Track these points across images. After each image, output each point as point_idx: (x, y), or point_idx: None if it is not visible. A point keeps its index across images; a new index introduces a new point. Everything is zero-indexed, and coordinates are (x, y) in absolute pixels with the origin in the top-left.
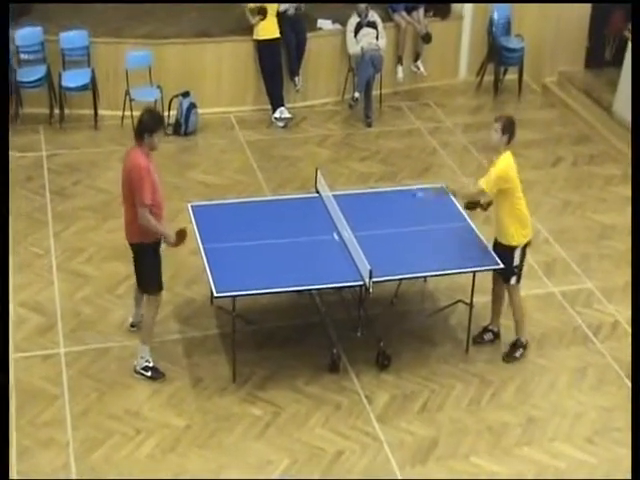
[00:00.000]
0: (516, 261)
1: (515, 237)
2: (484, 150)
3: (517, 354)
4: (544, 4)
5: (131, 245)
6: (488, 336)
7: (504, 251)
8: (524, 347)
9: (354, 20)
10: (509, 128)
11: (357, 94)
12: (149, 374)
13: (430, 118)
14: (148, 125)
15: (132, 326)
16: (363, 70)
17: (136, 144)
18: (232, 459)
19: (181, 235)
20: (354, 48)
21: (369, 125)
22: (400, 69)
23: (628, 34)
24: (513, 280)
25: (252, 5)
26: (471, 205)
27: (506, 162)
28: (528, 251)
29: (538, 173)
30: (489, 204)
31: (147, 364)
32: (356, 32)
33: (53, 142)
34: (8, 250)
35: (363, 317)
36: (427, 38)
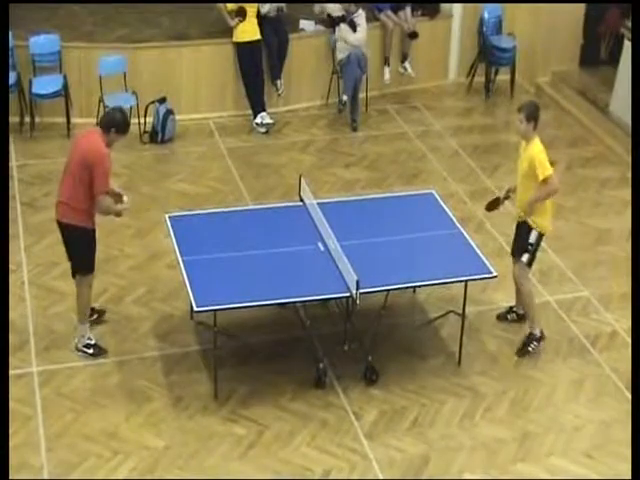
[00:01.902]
0: (532, 239)
1: (537, 223)
2: (474, 154)
3: (530, 348)
4: (536, 3)
5: (65, 225)
6: (512, 316)
7: (524, 225)
8: (537, 340)
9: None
10: (534, 114)
11: (345, 97)
12: (91, 351)
13: (418, 121)
14: (119, 123)
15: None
16: (349, 72)
17: (101, 132)
18: None
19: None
20: (353, 36)
21: (355, 129)
22: (387, 70)
23: (624, 31)
24: (525, 257)
25: (231, 6)
26: (492, 206)
27: (539, 145)
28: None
29: None
30: (506, 197)
31: (89, 341)
32: (335, 25)
33: (23, 152)
34: (8, 257)
35: (350, 330)
36: (414, 35)
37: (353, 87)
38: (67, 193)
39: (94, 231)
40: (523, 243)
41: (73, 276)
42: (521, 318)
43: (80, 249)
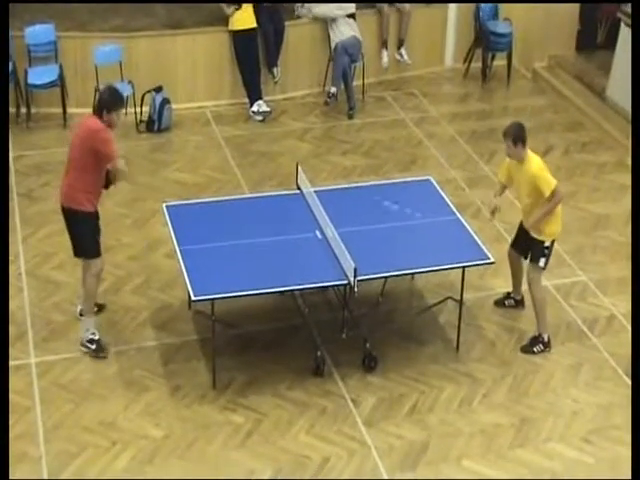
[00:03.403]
0: (546, 244)
1: (547, 232)
2: (471, 141)
3: (535, 349)
4: None
5: (69, 210)
6: (509, 302)
7: (536, 239)
8: (544, 345)
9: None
10: (520, 136)
11: (333, 89)
12: (93, 347)
13: (415, 108)
14: (107, 102)
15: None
16: (338, 62)
17: (96, 116)
18: (213, 470)
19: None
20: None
21: (351, 117)
22: (385, 54)
23: (621, 16)
24: (542, 262)
25: None
26: (494, 213)
27: (535, 160)
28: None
29: None
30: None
31: (92, 337)
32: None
33: (20, 143)
34: (8, 252)
35: (348, 318)
36: None
37: (342, 76)
38: (69, 178)
39: (97, 215)
40: (538, 251)
41: (77, 256)
42: (518, 304)
43: (83, 233)
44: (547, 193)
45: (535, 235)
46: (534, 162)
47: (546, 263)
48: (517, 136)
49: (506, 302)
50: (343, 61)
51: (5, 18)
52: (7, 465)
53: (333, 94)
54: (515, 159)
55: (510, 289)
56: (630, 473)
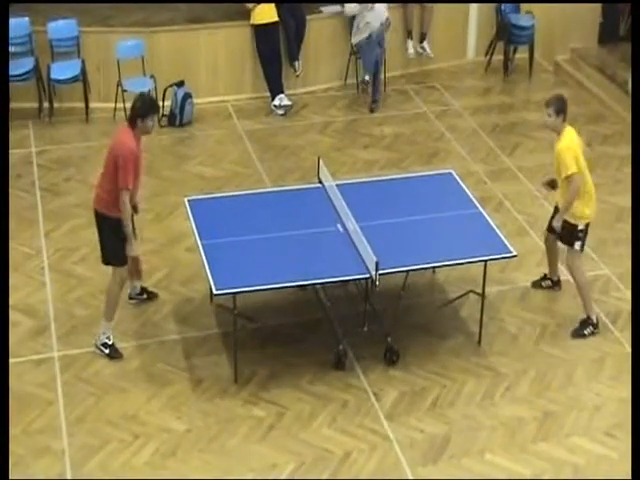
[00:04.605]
0: (580, 228)
1: (579, 214)
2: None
3: (585, 332)
4: None
5: (98, 214)
6: (546, 283)
7: (568, 222)
8: (594, 326)
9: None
10: (561, 108)
11: (367, 77)
12: (107, 351)
13: (437, 101)
14: (140, 110)
15: (130, 298)
16: (370, 51)
17: (129, 126)
18: (235, 463)
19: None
20: (351, 8)
21: (372, 111)
22: (410, 44)
23: None
24: (577, 245)
25: None
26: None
27: (569, 138)
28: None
29: (550, 156)
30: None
31: (107, 341)
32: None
33: (43, 137)
34: (8, 251)
35: (369, 311)
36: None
37: (375, 66)
38: (100, 183)
39: (120, 222)
40: (573, 235)
41: (105, 264)
42: (555, 285)
43: (111, 239)
44: (562, 174)
45: (568, 219)
46: (566, 139)
47: (582, 246)
48: (559, 107)
49: (543, 283)
50: (377, 52)
51: (5, 19)
52: (7, 465)
53: (367, 81)
54: (551, 129)
55: (536, 277)
56: None
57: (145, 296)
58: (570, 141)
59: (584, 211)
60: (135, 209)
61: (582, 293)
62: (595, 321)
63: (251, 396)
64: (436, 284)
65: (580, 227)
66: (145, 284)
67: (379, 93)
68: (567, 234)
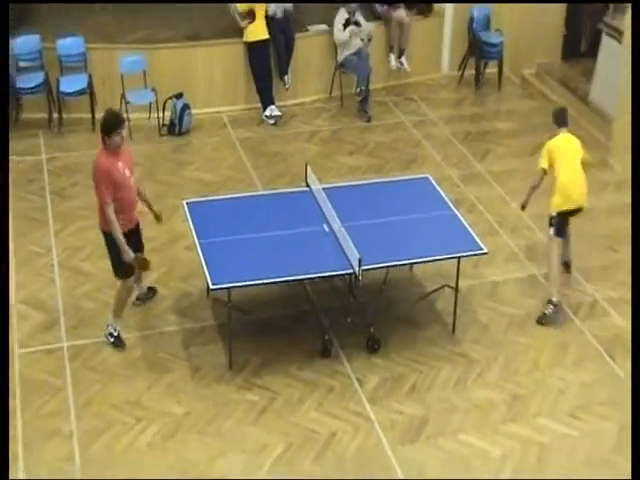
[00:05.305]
0: (553, 214)
1: (552, 203)
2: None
3: (547, 311)
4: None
5: (102, 231)
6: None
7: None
8: (554, 305)
9: (343, 15)
10: (555, 117)
11: (362, 87)
12: (112, 340)
13: (414, 112)
14: (104, 126)
15: (137, 299)
16: (363, 67)
17: (102, 144)
18: (230, 444)
19: (142, 263)
20: (342, 35)
21: (369, 120)
22: (392, 57)
23: (602, 26)
24: (550, 230)
25: (242, 7)
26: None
27: (553, 141)
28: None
29: (518, 161)
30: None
31: (113, 332)
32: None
33: (52, 145)
34: (8, 249)
35: (353, 304)
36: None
37: (366, 79)
38: (97, 203)
39: (126, 236)
40: (549, 221)
41: (115, 277)
42: (565, 267)
43: (113, 254)
44: (537, 167)
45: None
46: (552, 140)
47: (556, 233)
48: (553, 116)
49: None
50: (368, 67)
51: (5, 21)
52: (7, 465)
53: (363, 89)
54: (549, 134)
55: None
56: (613, 446)
57: (151, 294)
58: (552, 142)
59: (555, 200)
60: (159, 215)
61: (550, 274)
62: (555, 301)
63: (245, 382)
64: (414, 279)
65: (553, 214)
66: (146, 281)
67: (369, 105)
68: (548, 221)
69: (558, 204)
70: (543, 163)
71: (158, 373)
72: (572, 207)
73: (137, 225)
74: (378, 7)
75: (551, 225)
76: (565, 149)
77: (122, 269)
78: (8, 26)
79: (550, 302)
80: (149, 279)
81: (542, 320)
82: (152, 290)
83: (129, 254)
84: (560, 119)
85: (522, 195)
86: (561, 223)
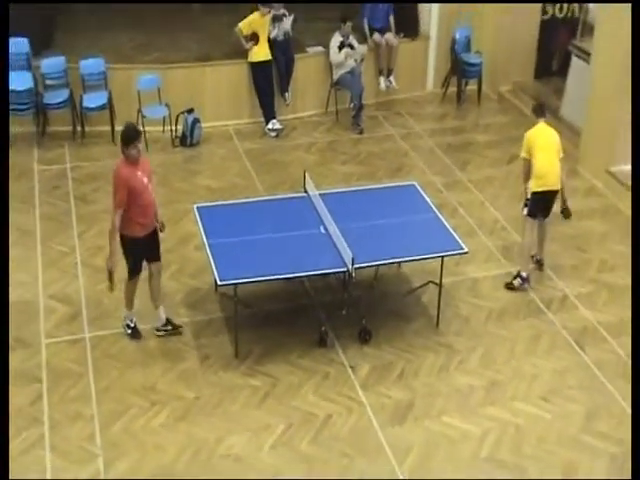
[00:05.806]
0: (528, 196)
1: (532, 185)
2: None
3: (515, 282)
4: (498, 25)
5: (119, 235)
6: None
7: None
8: (522, 279)
9: (338, 38)
10: (534, 109)
11: (356, 102)
12: (129, 332)
13: (402, 125)
14: (122, 139)
15: (157, 330)
16: (357, 85)
17: (122, 155)
18: (236, 425)
19: (110, 277)
20: (338, 57)
21: (361, 132)
22: (382, 79)
23: (571, 48)
24: (524, 210)
25: (246, 31)
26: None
27: (531, 131)
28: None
29: (496, 170)
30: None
31: (129, 323)
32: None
33: (76, 155)
34: (8, 246)
35: (347, 298)
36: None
37: (359, 95)
38: None
39: (133, 240)
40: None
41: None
42: (537, 263)
43: (126, 255)
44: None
45: None
46: (532, 130)
47: (528, 213)
48: (533, 110)
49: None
50: (361, 85)
51: (5, 22)
52: (7, 465)
53: (356, 104)
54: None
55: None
56: (581, 427)
57: (170, 327)
58: (530, 132)
59: (532, 183)
60: (162, 226)
61: (520, 252)
62: (525, 276)
63: (249, 369)
64: (402, 276)
65: (527, 196)
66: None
67: (361, 119)
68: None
69: (534, 186)
70: (523, 153)
71: (171, 361)
72: (546, 189)
73: (154, 230)
74: (375, 35)
75: (525, 205)
76: (541, 137)
77: (128, 268)
78: (8, 26)
79: (519, 276)
80: (163, 276)
81: (510, 287)
82: (170, 323)
83: (113, 261)
84: (538, 111)
85: (500, 200)
86: (534, 204)
